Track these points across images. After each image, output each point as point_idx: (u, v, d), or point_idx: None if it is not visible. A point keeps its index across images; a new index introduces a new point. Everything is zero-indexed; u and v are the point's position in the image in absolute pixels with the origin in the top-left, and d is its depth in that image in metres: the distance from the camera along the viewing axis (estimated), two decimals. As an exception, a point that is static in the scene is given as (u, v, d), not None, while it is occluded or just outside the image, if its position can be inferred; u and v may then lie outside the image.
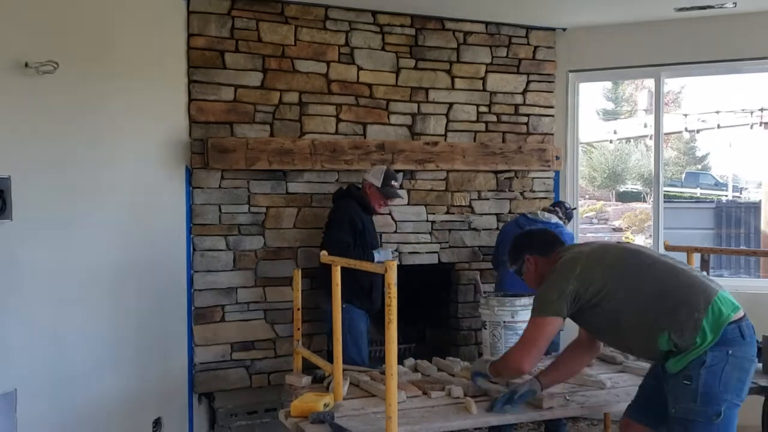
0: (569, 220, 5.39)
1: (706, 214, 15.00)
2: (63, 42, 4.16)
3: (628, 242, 3.33)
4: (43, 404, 4.09)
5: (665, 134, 6.76)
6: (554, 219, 5.11)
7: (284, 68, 5.14)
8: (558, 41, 6.01)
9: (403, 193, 5.46)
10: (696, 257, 4.59)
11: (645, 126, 16.81)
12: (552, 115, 6.03)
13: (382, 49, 5.44)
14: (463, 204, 5.71)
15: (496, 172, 5.78)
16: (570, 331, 4.65)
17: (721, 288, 3.07)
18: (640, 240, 15.33)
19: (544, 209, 5.33)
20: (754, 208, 14.57)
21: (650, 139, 8.80)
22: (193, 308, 4.91)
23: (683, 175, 23.30)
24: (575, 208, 5.77)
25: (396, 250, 5.44)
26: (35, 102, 4.04)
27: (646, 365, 3.53)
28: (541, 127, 5.98)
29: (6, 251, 3.92)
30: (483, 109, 5.79)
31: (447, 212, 5.67)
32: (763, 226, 11.89)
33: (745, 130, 16.19)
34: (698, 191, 21.47)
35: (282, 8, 5.12)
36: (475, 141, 5.73)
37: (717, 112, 16.38)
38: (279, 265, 5.10)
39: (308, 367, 3.73)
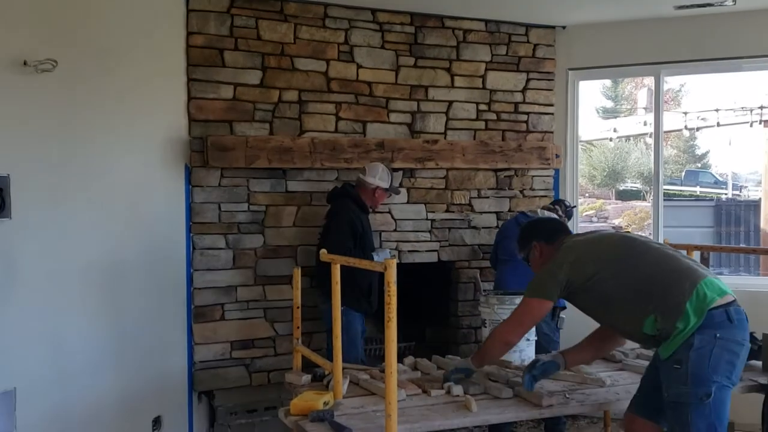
0: (569, 219, 5.38)
1: (705, 212, 14.98)
2: (62, 40, 4.16)
3: (628, 232, 3.43)
4: (43, 403, 4.10)
5: (665, 132, 6.74)
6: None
7: (284, 66, 5.13)
8: (558, 39, 6.01)
9: (402, 191, 5.47)
10: (696, 255, 4.59)
11: (645, 124, 16.77)
12: (552, 113, 6.03)
13: (382, 47, 5.44)
14: (463, 202, 5.71)
15: (495, 171, 5.78)
16: (571, 330, 4.66)
17: (711, 275, 3.13)
18: (640, 238, 15.25)
19: (544, 207, 5.32)
20: (754, 206, 14.54)
21: (650, 137, 8.78)
22: (192, 307, 4.91)
23: (683, 174, 23.28)
24: (575, 206, 5.77)
25: (395, 248, 5.44)
26: (34, 100, 4.04)
27: (645, 363, 3.54)
28: (540, 125, 5.98)
29: (5, 250, 3.92)
30: (483, 107, 5.79)
31: (447, 210, 5.67)
32: (762, 224, 11.87)
33: (744, 128, 16.17)
34: (698, 189, 21.45)
35: (281, 6, 5.11)
36: (474, 139, 5.73)
37: (717, 110, 16.35)
38: (279, 263, 5.10)
39: (308, 366, 3.73)
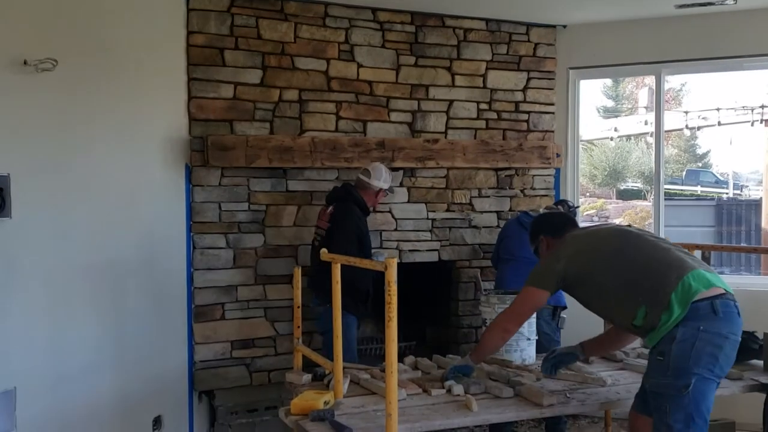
0: (571, 218, 5.37)
1: (706, 211, 14.99)
2: (62, 39, 4.15)
3: (629, 226, 3.48)
4: (43, 402, 4.09)
5: (666, 131, 6.72)
6: None
7: (284, 66, 5.13)
8: (558, 38, 6.00)
9: (403, 190, 5.47)
10: (697, 255, 4.57)
11: (645, 123, 16.77)
12: (552, 113, 6.02)
13: (382, 46, 5.43)
14: (464, 201, 5.71)
15: (496, 170, 5.78)
16: (572, 329, 4.66)
17: (703, 267, 3.16)
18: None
19: (546, 207, 5.31)
20: (755, 205, 14.53)
21: (651, 136, 8.78)
22: (193, 306, 4.91)
23: (684, 173, 23.27)
24: (577, 207, 5.76)
25: (396, 248, 5.44)
26: (34, 100, 4.04)
27: (646, 362, 3.53)
28: (541, 125, 5.98)
29: (5, 249, 3.91)
30: (483, 106, 5.78)
31: (447, 210, 5.66)
32: (763, 224, 11.86)
33: (745, 128, 16.16)
34: (699, 189, 21.43)
35: (281, 5, 5.11)
36: (475, 138, 5.72)
37: (718, 109, 16.34)
38: (279, 263, 5.10)
39: (308, 365, 3.72)
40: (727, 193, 20.72)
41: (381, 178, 4.81)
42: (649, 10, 5.55)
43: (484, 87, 5.78)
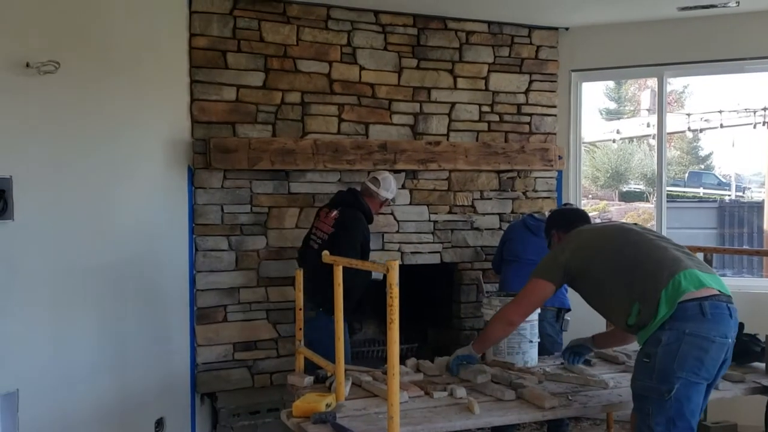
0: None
1: (709, 213, 14.98)
2: (64, 42, 4.16)
3: (635, 225, 3.51)
4: (46, 405, 4.09)
5: (668, 134, 6.74)
6: None
7: (286, 68, 5.14)
8: (560, 41, 6.00)
9: (405, 192, 5.47)
10: (699, 257, 4.57)
11: (648, 125, 16.77)
12: (555, 115, 6.02)
13: (385, 48, 5.44)
14: (466, 204, 5.71)
15: (498, 172, 5.78)
16: (575, 331, 4.65)
17: (699, 267, 3.17)
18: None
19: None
20: (757, 207, 14.52)
21: (653, 138, 8.79)
22: (195, 308, 4.91)
23: (686, 175, 23.23)
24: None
25: (398, 250, 5.44)
26: (37, 102, 4.04)
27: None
28: (543, 127, 5.98)
29: (7, 251, 3.92)
30: (485, 108, 5.78)
31: (449, 212, 5.66)
32: (766, 226, 11.86)
33: (748, 130, 16.15)
34: (701, 191, 21.40)
35: (284, 8, 5.12)
36: (477, 141, 5.72)
37: (720, 111, 16.32)
38: (281, 265, 5.10)
39: (310, 367, 3.72)
40: (729, 195, 20.69)
41: (390, 189, 4.76)
42: (652, 12, 5.55)
43: (486, 89, 5.78)
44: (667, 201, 6.09)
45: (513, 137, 5.86)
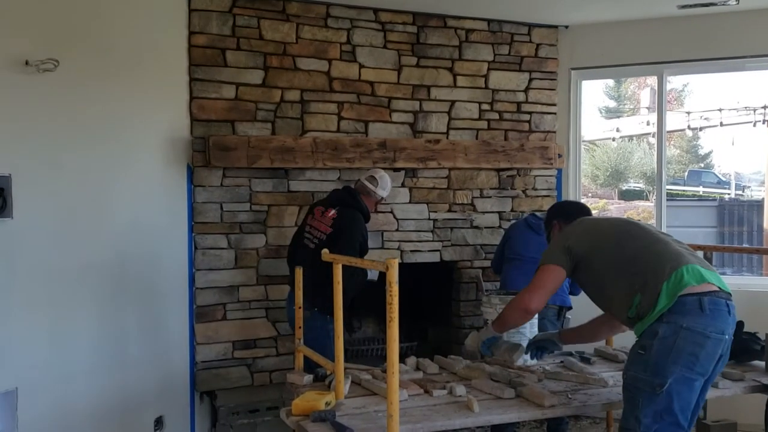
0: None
1: (708, 212, 14.98)
2: (63, 40, 4.16)
3: (639, 220, 3.56)
4: (44, 403, 4.10)
5: (668, 132, 6.74)
6: None
7: (286, 66, 5.13)
8: (560, 39, 6.00)
9: (405, 191, 5.47)
10: (698, 255, 4.58)
11: (647, 124, 16.78)
12: (554, 113, 6.02)
13: (384, 46, 5.43)
14: (465, 202, 5.70)
15: (498, 170, 5.77)
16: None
17: (700, 263, 3.17)
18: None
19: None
20: (757, 206, 14.52)
21: (653, 137, 8.79)
22: (194, 306, 4.91)
23: (686, 174, 23.24)
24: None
25: (398, 248, 5.44)
26: (36, 100, 4.04)
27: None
28: (543, 125, 5.97)
29: (7, 249, 3.92)
30: (485, 106, 5.78)
31: (449, 210, 5.66)
32: (765, 224, 11.85)
33: (748, 128, 16.16)
34: (701, 189, 21.41)
35: (283, 6, 5.11)
36: (477, 139, 5.72)
37: (720, 109, 16.33)
38: (281, 263, 5.08)
39: (310, 366, 3.72)
40: (729, 194, 20.69)
41: (386, 188, 4.75)
42: (652, 10, 5.55)
43: (486, 87, 5.77)
44: (667, 199, 6.09)
45: (513, 135, 5.86)
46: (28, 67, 3.92)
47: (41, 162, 4.07)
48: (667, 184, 6.11)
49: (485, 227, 5.77)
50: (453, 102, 5.66)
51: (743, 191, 21.05)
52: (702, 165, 25.02)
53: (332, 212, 4.48)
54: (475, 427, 4.53)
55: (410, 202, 5.52)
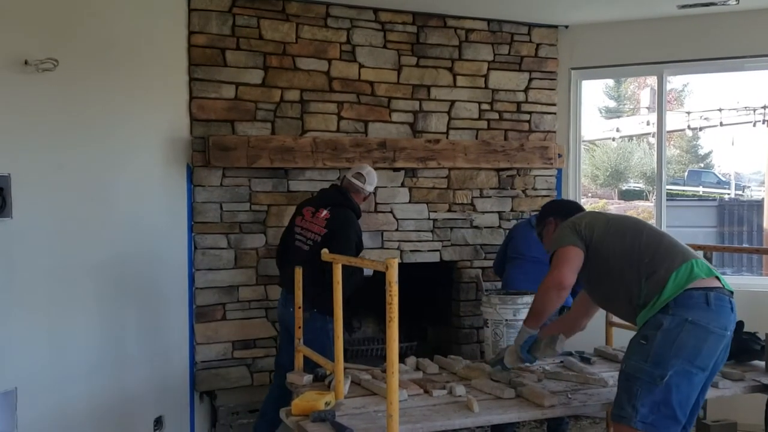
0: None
1: (708, 212, 14.99)
2: (63, 39, 4.15)
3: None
4: (44, 403, 4.09)
5: (668, 132, 6.74)
6: None
7: (285, 66, 5.13)
8: (560, 38, 6.00)
9: (405, 191, 5.47)
10: (698, 255, 4.58)
11: (647, 124, 16.77)
12: (554, 113, 6.02)
13: (384, 46, 5.43)
14: (465, 202, 5.70)
15: (498, 170, 5.77)
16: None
17: (704, 261, 3.21)
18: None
19: None
20: (757, 205, 14.52)
21: (653, 137, 8.78)
22: (194, 306, 4.91)
23: (686, 174, 23.23)
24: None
25: (398, 248, 5.44)
26: (35, 100, 4.04)
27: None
28: (543, 125, 5.97)
29: (6, 249, 3.91)
30: (485, 106, 5.78)
31: (449, 210, 5.66)
32: (765, 224, 11.86)
33: (747, 128, 16.15)
34: (701, 189, 21.41)
35: (283, 6, 5.11)
36: (477, 139, 5.72)
37: (720, 109, 16.32)
38: (280, 263, 5.09)
39: (309, 366, 3.71)
40: (729, 194, 20.69)
41: (374, 183, 4.68)
42: (651, 10, 5.54)
43: (486, 87, 5.77)
44: (667, 199, 6.09)
45: (512, 135, 5.85)
46: (28, 67, 3.92)
47: (41, 162, 4.07)
48: (667, 184, 6.11)
49: (485, 227, 5.77)
50: (453, 102, 5.66)
51: (743, 191, 21.04)
52: (702, 165, 25.02)
53: (324, 212, 4.40)
54: (474, 427, 4.53)
55: (410, 202, 5.52)
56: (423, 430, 2.93)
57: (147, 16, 4.65)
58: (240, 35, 4.99)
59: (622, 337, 3.86)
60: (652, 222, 5.91)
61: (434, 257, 5.63)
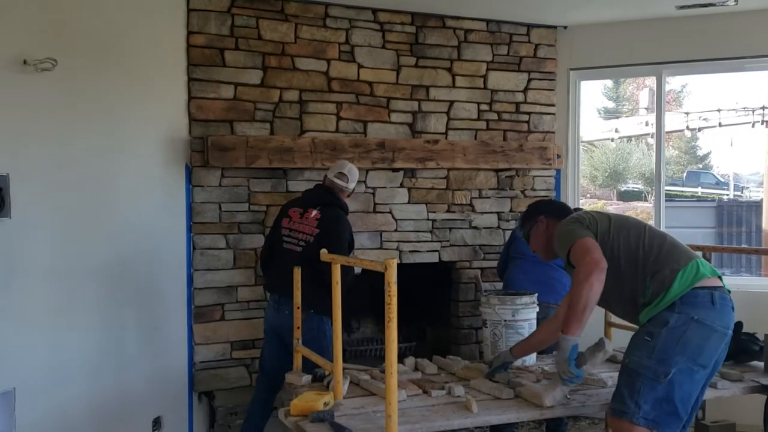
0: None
1: (707, 212, 14.99)
2: (62, 39, 4.14)
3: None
4: (42, 403, 4.08)
5: (666, 133, 6.74)
6: None
7: (284, 66, 5.13)
8: (559, 39, 6.00)
9: (403, 191, 5.47)
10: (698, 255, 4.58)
11: (646, 124, 16.75)
12: (553, 114, 6.02)
13: (383, 47, 5.43)
14: (464, 202, 5.70)
15: (497, 171, 5.77)
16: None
17: (706, 261, 3.24)
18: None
19: None
20: (756, 206, 14.53)
21: (651, 137, 8.78)
22: (193, 307, 4.90)
23: (684, 174, 23.24)
24: (580, 209, 5.73)
25: (396, 248, 5.44)
26: (34, 100, 4.02)
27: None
28: (542, 126, 5.97)
29: (4, 249, 3.90)
30: (484, 107, 5.78)
31: (448, 211, 5.66)
32: (764, 225, 11.85)
33: (746, 129, 16.15)
34: (699, 190, 21.41)
35: (282, 6, 5.11)
36: (475, 139, 5.72)
37: (718, 110, 16.31)
38: (279, 263, 5.08)
39: (308, 366, 3.71)
40: (727, 195, 20.70)
41: (356, 179, 4.60)
42: (650, 11, 5.55)
43: (485, 88, 5.77)
44: (666, 200, 6.09)
45: (511, 136, 5.86)
46: (27, 67, 3.91)
47: (39, 162, 4.06)
48: (665, 185, 6.11)
49: (484, 228, 5.77)
50: (452, 102, 5.66)
51: (742, 192, 21.06)
52: (701, 166, 25.03)
53: (314, 213, 4.35)
54: (473, 428, 4.52)
55: (409, 203, 5.52)
56: (422, 430, 2.92)
57: (146, 16, 4.65)
58: (239, 35, 4.99)
59: (622, 337, 3.86)
60: (651, 223, 5.91)
61: (433, 258, 5.63)
